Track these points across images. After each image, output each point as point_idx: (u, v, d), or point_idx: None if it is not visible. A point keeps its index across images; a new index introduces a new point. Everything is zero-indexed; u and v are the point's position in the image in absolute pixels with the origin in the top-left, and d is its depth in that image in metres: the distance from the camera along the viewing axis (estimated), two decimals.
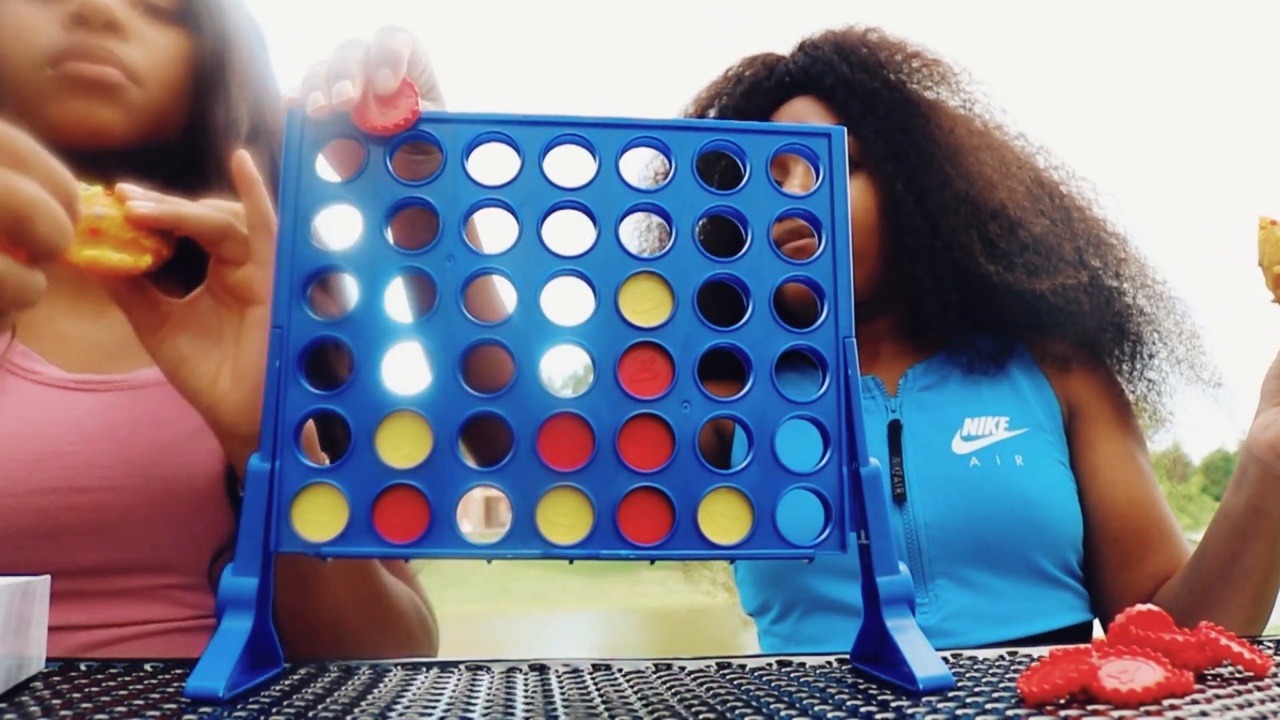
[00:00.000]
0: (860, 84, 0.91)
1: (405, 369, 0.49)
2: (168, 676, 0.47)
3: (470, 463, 0.46)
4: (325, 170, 0.50)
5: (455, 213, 0.48)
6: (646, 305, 0.48)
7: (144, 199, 0.52)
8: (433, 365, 0.47)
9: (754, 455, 0.47)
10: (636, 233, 0.99)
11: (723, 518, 0.47)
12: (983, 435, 0.87)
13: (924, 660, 0.45)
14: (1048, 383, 0.91)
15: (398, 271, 0.48)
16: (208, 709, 0.39)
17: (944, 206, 0.88)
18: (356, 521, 0.46)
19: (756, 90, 0.96)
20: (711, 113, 0.98)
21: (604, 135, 0.49)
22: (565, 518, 0.46)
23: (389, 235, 0.49)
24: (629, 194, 0.49)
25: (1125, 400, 0.93)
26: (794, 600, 0.87)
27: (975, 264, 0.87)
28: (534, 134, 0.49)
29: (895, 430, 0.88)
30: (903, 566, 0.49)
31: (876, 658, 0.49)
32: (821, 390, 0.49)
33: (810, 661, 0.53)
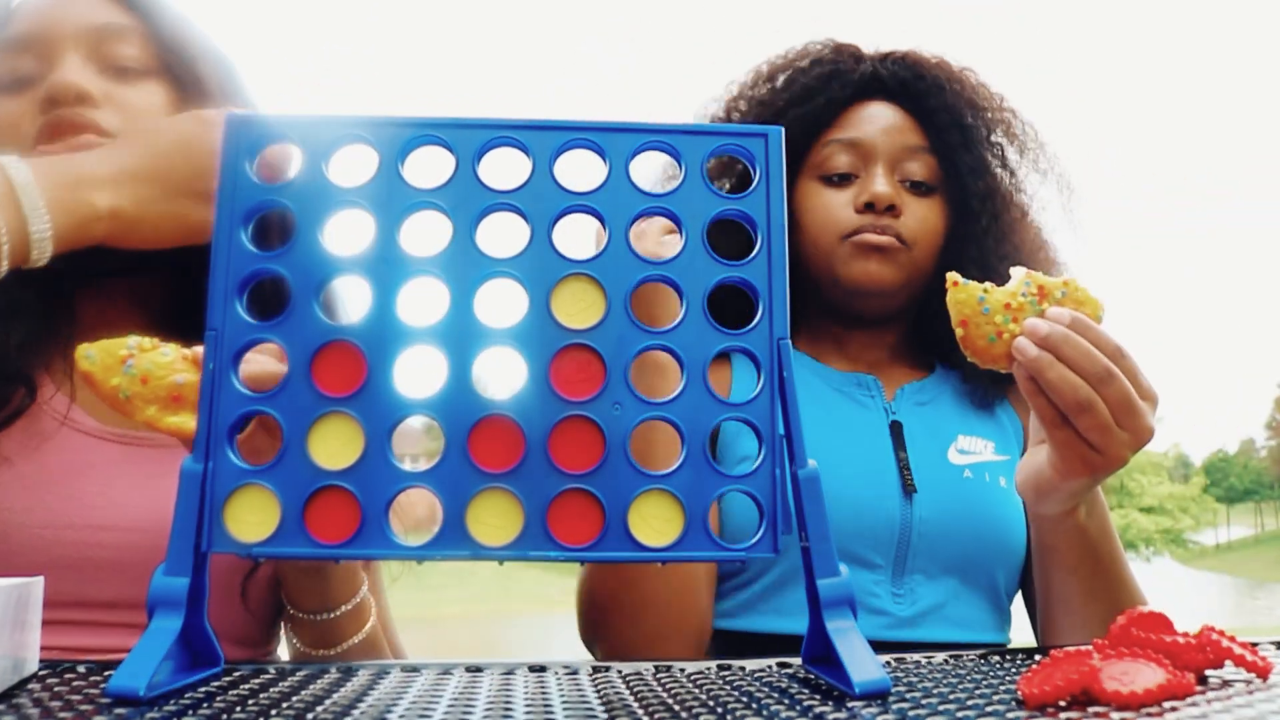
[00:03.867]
0: (961, 116, 0.93)
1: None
2: None
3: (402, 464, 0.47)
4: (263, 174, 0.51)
5: (390, 216, 0.49)
6: (579, 307, 0.48)
7: None
8: (366, 367, 0.47)
9: (686, 456, 0.48)
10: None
11: (654, 519, 0.47)
12: (974, 452, 0.91)
13: (862, 663, 0.45)
14: (1014, 410, 0.96)
15: (333, 275, 0.49)
16: (124, 709, 0.39)
17: (992, 264, 0.91)
18: (288, 522, 0.46)
19: (838, 78, 0.95)
20: (780, 79, 0.97)
21: (538, 137, 0.50)
22: (495, 519, 0.46)
23: (324, 239, 0.49)
24: (563, 196, 0.49)
25: None
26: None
27: None
28: (469, 137, 0.49)
29: (897, 430, 0.90)
30: (843, 568, 0.49)
31: (825, 659, 0.49)
32: (756, 392, 0.49)
33: None
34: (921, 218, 0.91)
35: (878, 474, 0.87)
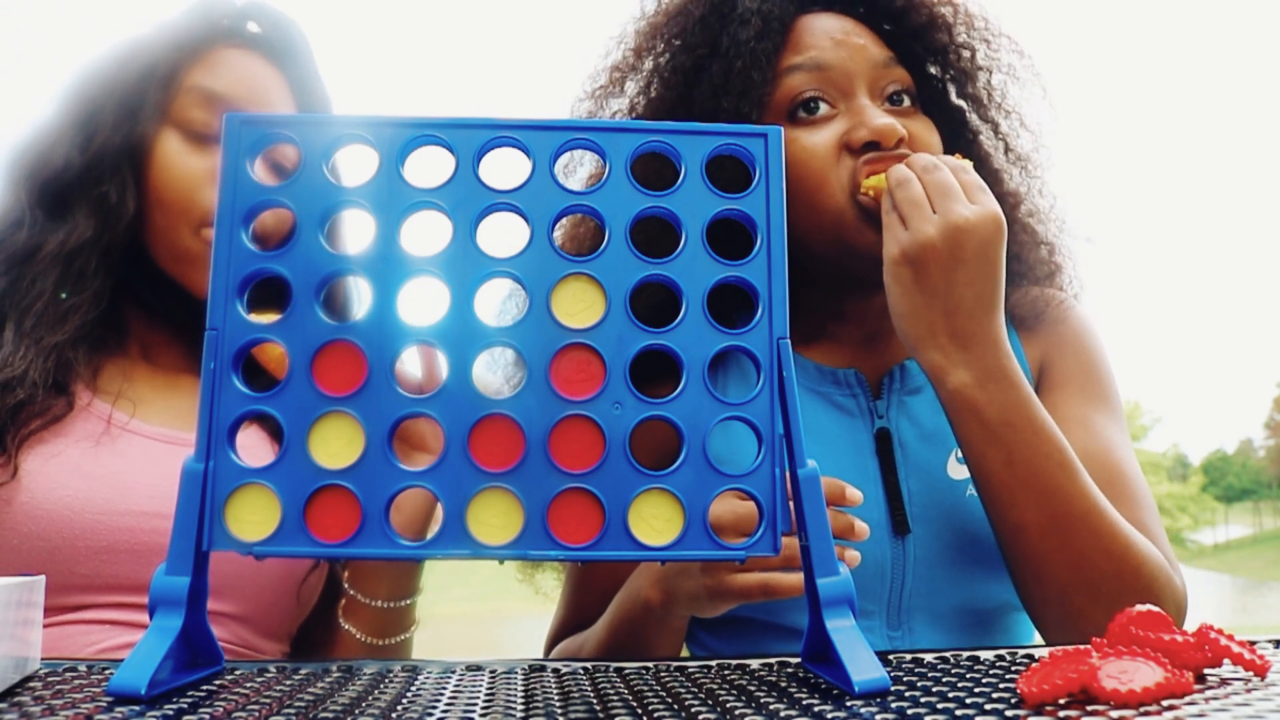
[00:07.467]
0: (918, 17, 0.82)
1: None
2: None
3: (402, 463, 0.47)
4: (263, 174, 0.51)
5: (390, 216, 0.49)
6: (579, 307, 0.48)
7: None
8: (367, 366, 0.47)
9: (686, 456, 0.48)
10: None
11: (654, 519, 0.47)
12: None
13: (861, 663, 0.45)
14: (1020, 344, 0.84)
15: (333, 274, 0.49)
16: (124, 709, 0.39)
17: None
18: (288, 522, 0.46)
19: None
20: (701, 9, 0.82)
21: (538, 137, 0.50)
22: (496, 518, 0.46)
23: (325, 238, 0.49)
24: (563, 195, 0.49)
25: (1091, 361, 0.84)
26: None
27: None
28: (469, 136, 0.49)
29: (884, 441, 0.79)
30: (843, 568, 0.49)
31: (825, 658, 0.49)
32: (755, 391, 0.49)
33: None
34: (925, 141, 0.79)
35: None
